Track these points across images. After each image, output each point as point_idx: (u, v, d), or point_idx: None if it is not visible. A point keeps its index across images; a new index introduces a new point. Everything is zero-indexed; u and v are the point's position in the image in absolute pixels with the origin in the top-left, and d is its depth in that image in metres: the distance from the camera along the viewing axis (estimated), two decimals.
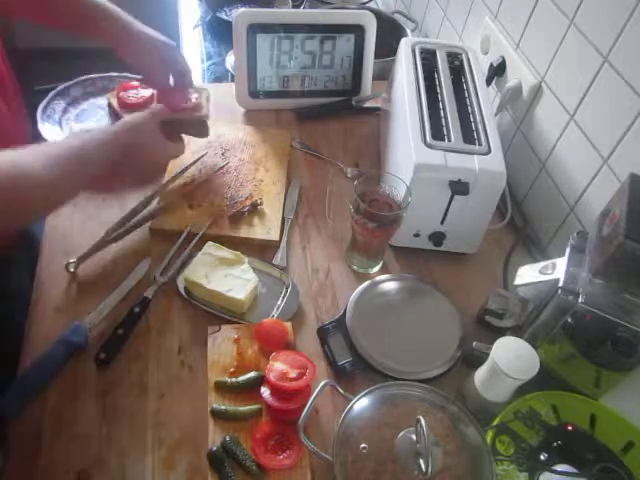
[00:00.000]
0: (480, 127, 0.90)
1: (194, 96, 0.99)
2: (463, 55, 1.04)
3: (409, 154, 0.85)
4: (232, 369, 0.76)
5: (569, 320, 0.69)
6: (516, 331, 0.79)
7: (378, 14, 1.18)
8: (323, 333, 0.81)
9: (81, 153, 0.74)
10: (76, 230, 0.91)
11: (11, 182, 0.64)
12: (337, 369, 0.78)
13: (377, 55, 1.17)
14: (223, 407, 0.71)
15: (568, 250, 0.73)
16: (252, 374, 0.74)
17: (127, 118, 0.84)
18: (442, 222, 0.89)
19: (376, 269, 0.92)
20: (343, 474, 0.62)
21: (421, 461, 0.60)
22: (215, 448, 0.68)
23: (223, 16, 1.52)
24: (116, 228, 0.89)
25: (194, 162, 1.01)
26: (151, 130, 0.86)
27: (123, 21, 0.91)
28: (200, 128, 0.99)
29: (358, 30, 1.12)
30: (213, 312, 0.82)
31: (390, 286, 0.87)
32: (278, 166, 1.05)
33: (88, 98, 1.11)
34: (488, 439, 0.67)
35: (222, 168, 1.02)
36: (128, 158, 0.81)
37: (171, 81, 0.97)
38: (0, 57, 0.88)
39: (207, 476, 0.67)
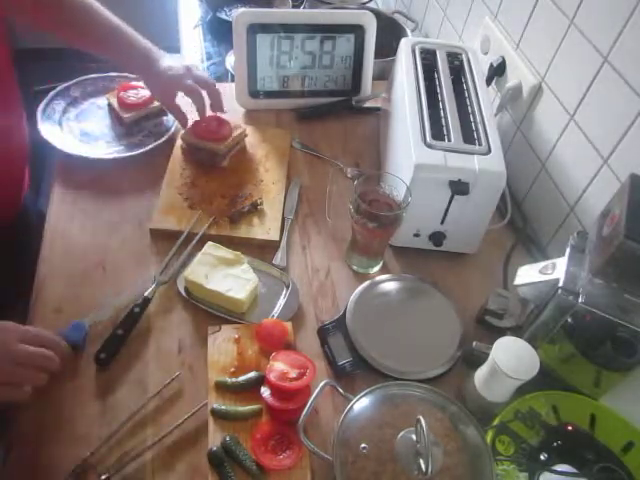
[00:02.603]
0: (480, 127, 0.90)
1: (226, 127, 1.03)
2: (463, 55, 1.04)
3: (409, 154, 0.85)
4: (232, 369, 0.76)
5: (569, 320, 0.69)
6: (516, 331, 0.79)
7: (378, 14, 1.18)
8: (323, 333, 0.81)
9: None
10: (76, 230, 0.91)
11: None
12: (337, 369, 0.78)
13: (377, 55, 1.17)
14: (223, 407, 0.71)
15: (568, 250, 0.73)
16: (252, 374, 0.74)
17: None
18: (442, 222, 0.89)
19: (376, 269, 0.92)
20: (343, 474, 0.62)
21: (421, 461, 0.60)
22: (215, 448, 0.68)
23: (223, 16, 1.52)
24: None
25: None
26: None
27: (144, 58, 0.98)
28: (213, 158, 1.01)
29: (358, 30, 1.12)
30: (213, 312, 0.82)
31: (390, 286, 0.87)
32: (278, 166, 1.05)
33: (88, 98, 1.11)
34: (488, 439, 0.67)
35: (222, 168, 1.02)
36: None
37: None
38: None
39: (207, 476, 0.67)
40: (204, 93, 1.01)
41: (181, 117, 1.03)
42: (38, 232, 0.91)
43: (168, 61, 1.00)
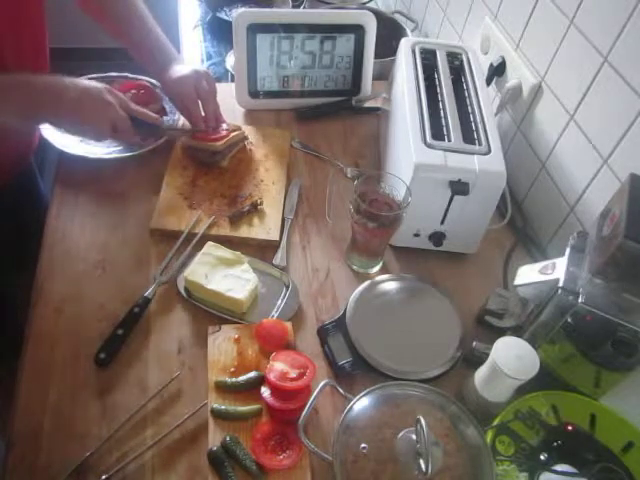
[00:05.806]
0: (480, 127, 0.90)
1: (224, 127, 1.03)
2: (463, 55, 1.04)
3: (409, 154, 0.85)
4: (232, 369, 0.76)
5: (569, 320, 0.69)
6: (516, 331, 0.79)
7: (378, 14, 1.18)
8: (323, 333, 0.81)
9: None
10: (76, 230, 0.91)
11: None
12: (337, 369, 0.78)
13: (377, 55, 1.17)
14: (223, 407, 0.71)
15: (568, 250, 0.73)
16: (252, 374, 0.74)
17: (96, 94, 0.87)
18: (442, 222, 0.89)
19: (376, 269, 0.92)
20: (343, 474, 0.62)
21: (421, 461, 0.60)
22: (215, 448, 0.68)
23: (223, 16, 1.52)
24: None
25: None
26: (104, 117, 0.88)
27: (160, 62, 1.02)
28: (213, 157, 1.01)
29: (358, 30, 1.12)
30: (213, 312, 0.82)
31: (390, 286, 0.87)
32: (278, 166, 1.05)
33: None
34: (488, 439, 0.67)
35: (222, 168, 1.02)
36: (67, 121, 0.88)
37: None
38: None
39: (207, 476, 0.67)
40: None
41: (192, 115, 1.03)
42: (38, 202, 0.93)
43: (179, 67, 1.01)
